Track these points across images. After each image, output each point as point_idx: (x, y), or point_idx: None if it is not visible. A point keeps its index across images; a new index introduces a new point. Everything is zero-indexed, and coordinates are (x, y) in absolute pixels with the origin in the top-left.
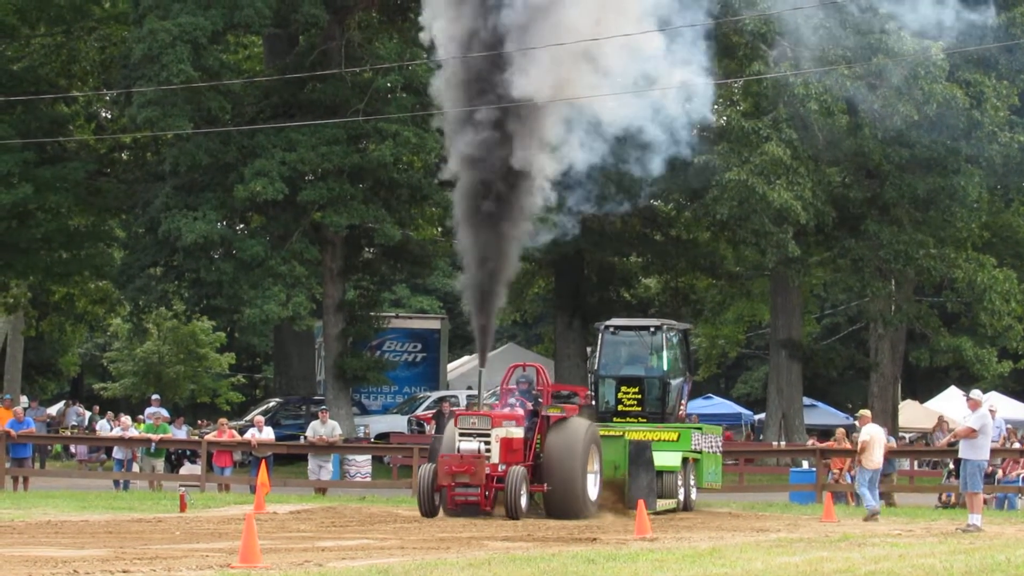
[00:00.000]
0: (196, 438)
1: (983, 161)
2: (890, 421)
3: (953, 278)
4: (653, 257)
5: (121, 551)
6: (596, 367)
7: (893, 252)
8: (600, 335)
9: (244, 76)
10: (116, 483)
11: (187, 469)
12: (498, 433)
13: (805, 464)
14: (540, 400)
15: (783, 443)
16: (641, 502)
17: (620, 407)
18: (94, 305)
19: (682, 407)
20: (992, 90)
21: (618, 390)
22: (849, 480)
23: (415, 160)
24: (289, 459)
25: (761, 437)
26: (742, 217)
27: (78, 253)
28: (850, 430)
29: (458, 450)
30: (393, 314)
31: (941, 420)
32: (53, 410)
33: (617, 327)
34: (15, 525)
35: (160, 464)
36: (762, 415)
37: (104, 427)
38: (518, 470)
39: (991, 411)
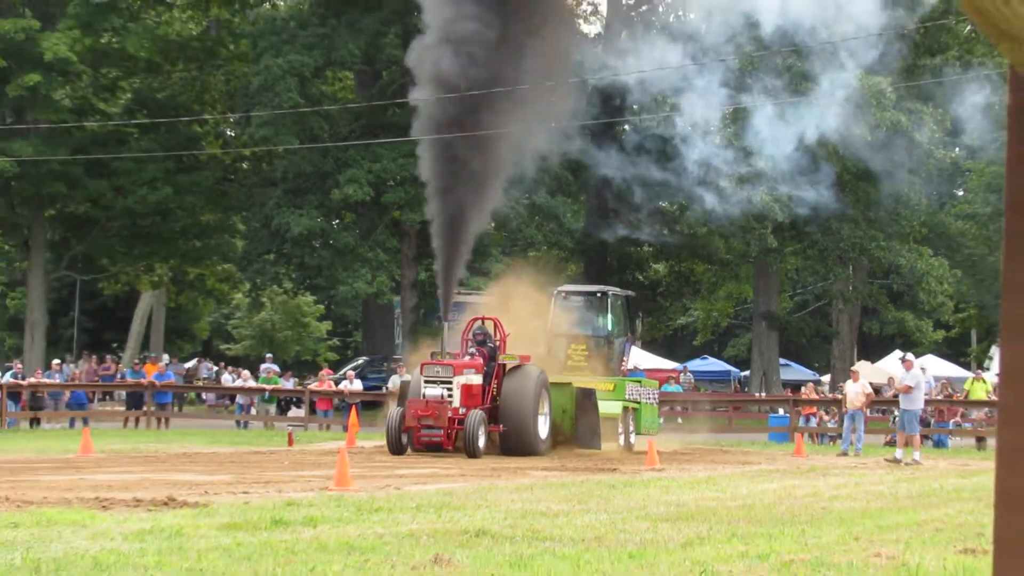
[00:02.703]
0: (300, 388)
1: (922, 172)
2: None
3: (898, 265)
4: (661, 247)
5: (242, 476)
6: (550, 326)
7: (851, 244)
8: (553, 299)
9: (339, 103)
10: (238, 423)
11: (294, 412)
12: (459, 380)
13: (781, 411)
14: (497, 350)
15: (763, 394)
16: (651, 440)
17: (569, 362)
18: (221, 283)
19: (624, 363)
20: (930, 116)
21: (568, 347)
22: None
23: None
24: (374, 405)
25: (746, 389)
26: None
27: (208, 242)
28: (817, 384)
29: (423, 396)
30: (455, 291)
31: (891, 379)
32: (188, 365)
33: (568, 292)
34: (159, 456)
35: (272, 408)
36: (747, 372)
37: (228, 379)
38: (477, 413)
39: (922, 369)
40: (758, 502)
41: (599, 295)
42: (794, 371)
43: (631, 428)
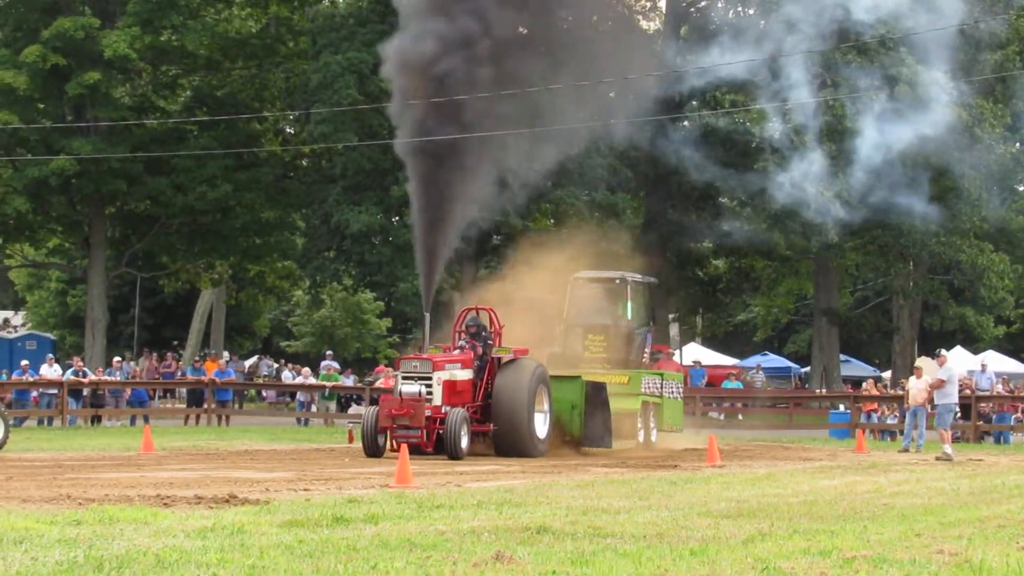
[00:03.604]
0: (361, 385)
1: (982, 168)
2: (909, 374)
3: (959, 260)
4: (721, 243)
5: (302, 473)
6: (566, 316)
7: (911, 240)
8: (569, 287)
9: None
10: (298, 420)
11: (354, 409)
12: (440, 376)
13: (841, 407)
14: (490, 343)
15: (824, 390)
16: (712, 437)
17: (587, 354)
18: (281, 280)
19: (645, 354)
20: (990, 111)
21: (585, 338)
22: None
23: (532, 166)
24: None
25: (806, 385)
26: (793, 211)
27: (268, 239)
28: (877, 380)
29: (399, 393)
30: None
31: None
32: (248, 362)
33: (585, 279)
34: (220, 452)
35: (333, 405)
36: (807, 368)
37: (288, 376)
38: (458, 412)
39: (983, 365)
40: (819, 498)
41: (618, 281)
42: (854, 367)
43: (652, 424)
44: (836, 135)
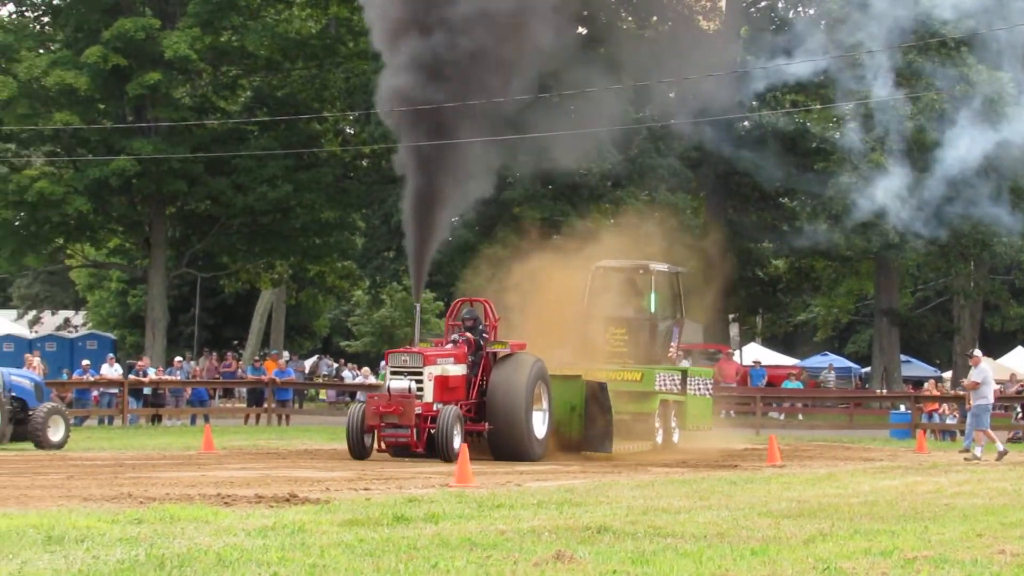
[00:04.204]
0: None
1: None
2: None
3: (1020, 260)
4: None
5: (363, 473)
6: (584, 307)
7: (972, 240)
8: (590, 276)
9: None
10: None
11: None
12: (431, 371)
13: (902, 407)
14: (486, 336)
15: (885, 390)
16: (772, 437)
17: (608, 348)
18: (340, 280)
19: (671, 349)
20: None
21: (606, 331)
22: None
23: (592, 166)
24: None
25: (867, 385)
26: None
27: (328, 239)
28: (939, 381)
29: (388, 390)
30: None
31: (1013, 376)
32: (308, 362)
33: (606, 268)
34: (280, 452)
35: None
36: (868, 368)
37: (348, 376)
38: (450, 410)
39: None
40: (880, 499)
41: (641, 271)
42: (915, 367)
43: (673, 424)
44: (915, 145)
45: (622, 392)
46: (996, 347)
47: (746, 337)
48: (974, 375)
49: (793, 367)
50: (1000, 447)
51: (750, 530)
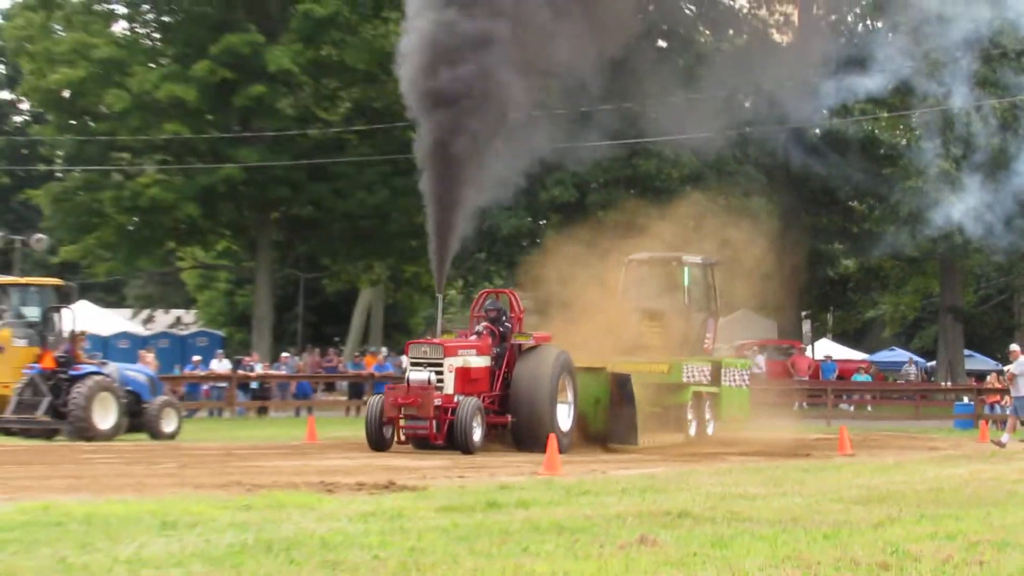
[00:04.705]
0: None
1: None
2: None
3: None
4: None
5: (457, 462)
6: (619, 300)
7: None
8: (623, 269)
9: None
10: None
11: None
12: (452, 363)
13: (965, 399)
14: (510, 328)
15: (949, 383)
16: (843, 427)
17: (642, 340)
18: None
19: (707, 341)
20: None
21: (639, 323)
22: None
23: (671, 172)
24: None
25: (932, 379)
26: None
27: (423, 242)
28: (1000, 374)
29: (407, 381)
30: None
31: None
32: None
33: (639, 260)
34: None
35: None
36: (933, 362)
37: None
38: (470, 401)
39: None
40: (945, 485)
41: (675, 263)
42: (977, 361)
43: (707, 416)
44: (994, 160)
45: (651, 384)
46: None
47: (818, 333)
48: (1013, 367)
49: (863, 361)
50: (1004, 438)
51: (822, 515)
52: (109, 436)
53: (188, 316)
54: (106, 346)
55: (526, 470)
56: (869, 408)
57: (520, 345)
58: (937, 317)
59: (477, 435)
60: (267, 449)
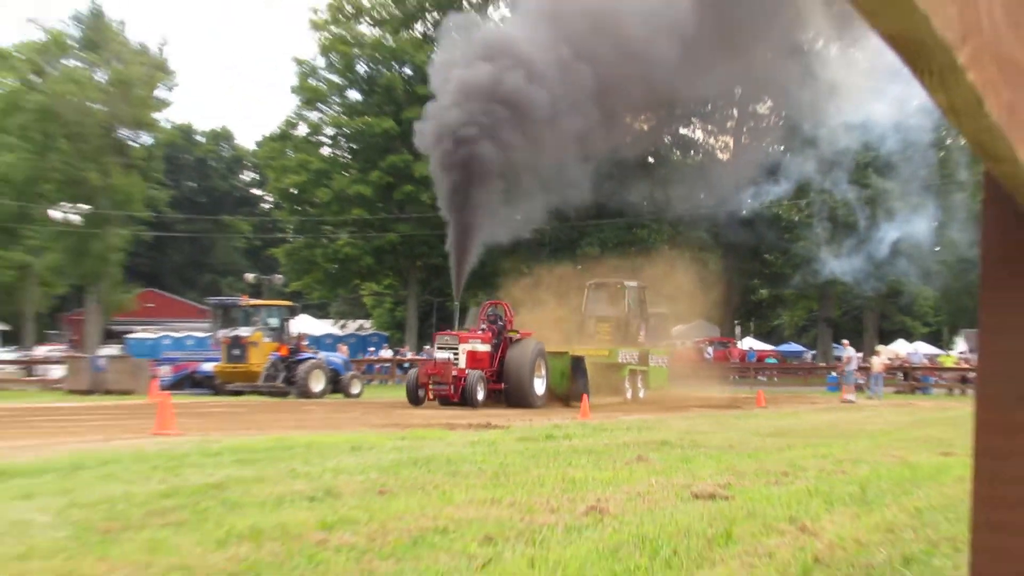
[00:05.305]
0: None
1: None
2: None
3: (900, 292)
4: (766, 281)
5: (528, 413)
6: (583, 310)
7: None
8: (586, 290)
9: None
10: None
11: None
12: (464, 348)
13: (833, 374)
14: (504, 327)
15: (824, 364)
16: (760, 392)
17: (597, 336)
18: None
19: (641, 336)
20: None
21: (596, 325)
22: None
23: (656, 236)
24: None
25: (814, 361)
26: (809, 264)
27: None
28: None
29: (434, 359)
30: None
31: (896, 355)
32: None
33: (597, 284)
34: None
35: None
36: (814, 351)
37: None
38: (476, 373)
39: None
40: (821, 425)
41: (619, 285)
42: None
43: (640, 385)
44: (855, 233)
45: (599, 364)
46: (887, 340)
47: (744, 333)
48: (845, 354)
49: (772, 351)
50: (850, 397)
51: (747, 443)
52: (319, 396)
53: (367, 324)
54: (317, 342)
55: (569, 417)
56: (776, 379)
57: (511, 338)
58: (817, 324)
59: (480, 395)
60: (405, 405)
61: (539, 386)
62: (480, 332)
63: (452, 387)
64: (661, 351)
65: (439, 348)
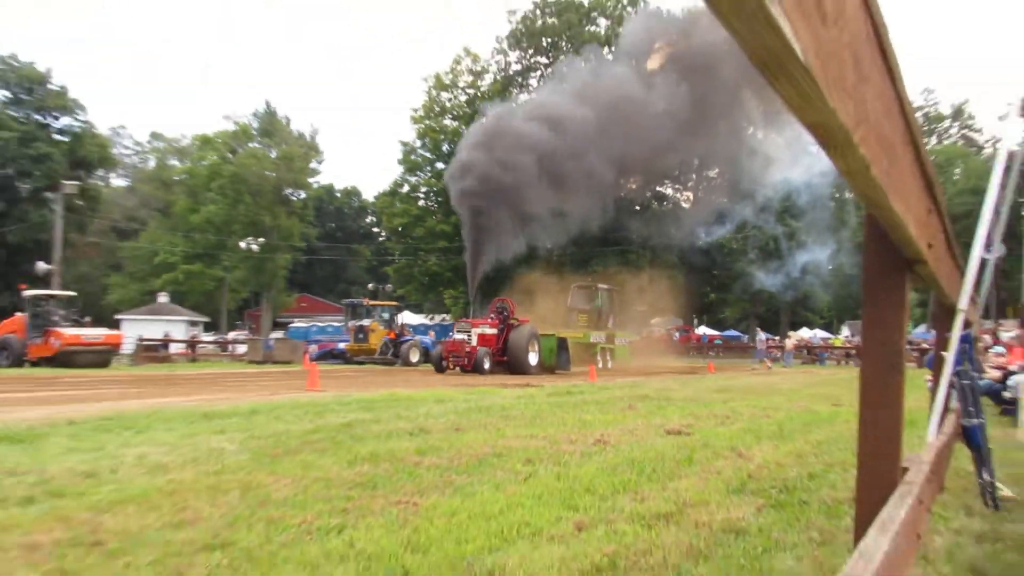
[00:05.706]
0: None
1: None
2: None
3: (809, 295)
4: (715, 289)
5: (556, 378)
6: (568, 304)
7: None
8: (571, 290)
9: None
10: None
11: None
12: (475, 331)
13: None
14: (507, 316)
15: (753, 344)
16: (711, 363)
17: (576, 324)
18: None
19: (610, 324)
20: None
21: (576, 316)
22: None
23: (643, 260)
24: None
25: (748, 342)
26: (746, 280)
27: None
28: (770, 339)
29: (453, 338)
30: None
31: (801, 338)
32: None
33: (579, 286)
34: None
35: None
36: (747, 334)
37: None
38: (484, 349)
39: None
40: (752, 385)
41: (594, 287)
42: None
43: (608, 358)
44: (781, 258)
45: (577, 343)
46: (796, 327)
47: (700, 323)
48: (759, 336)
49: (720, 336)
50: (755, 367)
51: (702, 396)
52: (415, 365)
53: (448, 317)
54: (415, 329)
55: (581, 380)
56: (721, 355)
57: (512, 324)
58: (749, 318)
59: (486, 365)
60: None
61: (533, 359)
62: (489, 320)
63: (466, 359)
64: (626, 335)
65: (457, 331)
